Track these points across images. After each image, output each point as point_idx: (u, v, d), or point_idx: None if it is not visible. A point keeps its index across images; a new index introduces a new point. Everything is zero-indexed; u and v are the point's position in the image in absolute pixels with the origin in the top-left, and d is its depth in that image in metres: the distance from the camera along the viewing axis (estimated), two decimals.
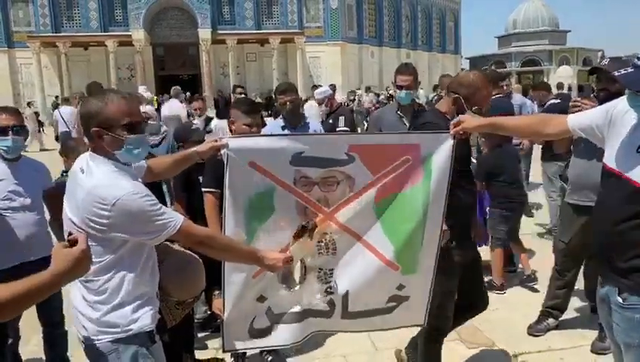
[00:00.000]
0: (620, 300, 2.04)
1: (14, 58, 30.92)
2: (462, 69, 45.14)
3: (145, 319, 1.94)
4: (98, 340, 1.89)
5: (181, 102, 10.48)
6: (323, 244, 2.54)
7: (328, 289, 2.60)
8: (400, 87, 4.28)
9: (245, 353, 3.53)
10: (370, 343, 3.79)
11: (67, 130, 9.82)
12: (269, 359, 3.56)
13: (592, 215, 3.05)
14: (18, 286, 1.38)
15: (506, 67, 45.43)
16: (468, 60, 54.43)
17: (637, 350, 2.03)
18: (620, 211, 2.01)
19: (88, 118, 1.89)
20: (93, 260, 1.78)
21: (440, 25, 44.33)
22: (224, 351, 2.68)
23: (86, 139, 2.00)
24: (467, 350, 3.65)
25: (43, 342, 3.36)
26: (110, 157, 1.91)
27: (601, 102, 2.67)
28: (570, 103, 3.19)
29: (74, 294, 1.97)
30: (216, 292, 2.70)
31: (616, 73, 2.03)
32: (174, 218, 1.89)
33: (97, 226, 1.79)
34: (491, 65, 47.42)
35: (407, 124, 4.20)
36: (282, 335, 2.64)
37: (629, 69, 1.97)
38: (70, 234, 1.55)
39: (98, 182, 1.81)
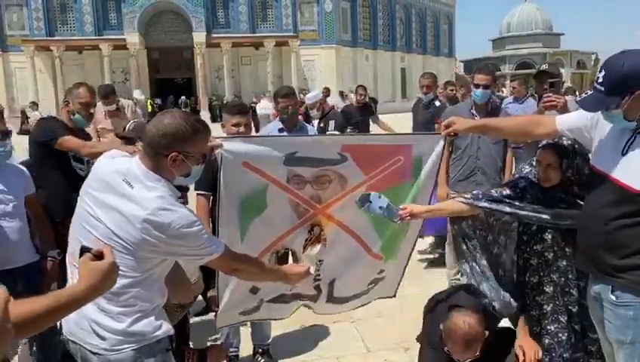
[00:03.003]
0: (613, 298, 2.07)
1: (8, 62, 30.79)
2: (456, 73, 45.30)
3: (166, 324, 1.95)
4: (120, 350, 1.83)
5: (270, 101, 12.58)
6: (314, 236, 2.61)
7: (317, 278, 2.72)
8: (477, 86, 4.27)
9: (238, 355, 3.57)
10: (362, 344, 3.82)
11: None
12: (261, 360, 3.58)
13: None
14: (42, 301, 1.30)
15: (500, 70, 45.61)
16: (462, 63, 54.64)
17: (629, 347, 2.06)
18: (608, 212, 2.05)
19: (171, 140, 1.82)
20: (126, 274, 1.78)
21: (434, 28, 44.46)
22: (217, 328, 2.91)
23: (140, 152, 1.92)
24: None
25: (38, 351, 3.29)
26: (168, 178, 1.88)
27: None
28: (545, 98, 3.31)
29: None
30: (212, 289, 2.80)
31: (577, 99, 2.17)
32: (218, 246, 1.92)
33: (149, 247, 1.78)
34: None
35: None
36: (270, 311, 2.83)
37: (589, 92, 2.08)
38: (84, 248, 1.46)
39: (161, 205, 1.77)
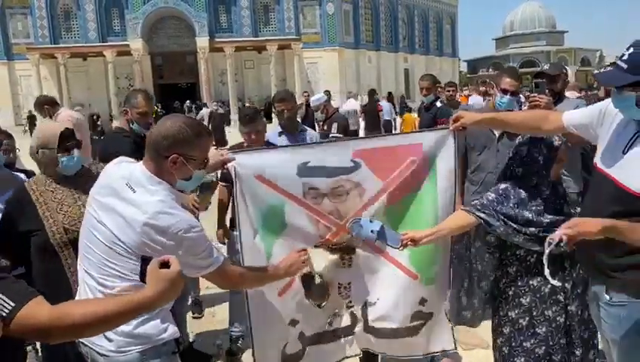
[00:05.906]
0: (607, 298, 2.08)
1: (14, 70, 31.04)
2: (460, 72, 45.25)
3: (172, 326, 1.97)
4: (126, 352, 1.87)
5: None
6: (339, 257, 2.54)
7: (349, 304, 2.62)
8: (505, 91, 3.62)
9: (239, 337, 3.69)
10: None
11: None
12: None
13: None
14: (110, 304, 1.33)
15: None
16: (466, 63, 54.56)
17: (623, 346, 2.07)
18: (604, 211, 2.03)
19: (173, 142, 1.85)
20: (130, 277, 1.82)
21: (437, 28, 44.38)
22: None
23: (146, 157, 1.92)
24: (463, 351, 3.67)
25: (43, 357, 3.31)
26: (170, 182, 1.89)
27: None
28: (530, 99, 3.30)
29: None
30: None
31: (595, 72, 2.07)
32: (217, 259, 1.93)
33: (150, 251, 1.79)
34: (489, 67, 47.56)
35: (497, 135, 3.68)
36: (314, 358, 2.63)
37: (609, 68, 2.01)
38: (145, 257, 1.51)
39: (161, 209, 1.79)
